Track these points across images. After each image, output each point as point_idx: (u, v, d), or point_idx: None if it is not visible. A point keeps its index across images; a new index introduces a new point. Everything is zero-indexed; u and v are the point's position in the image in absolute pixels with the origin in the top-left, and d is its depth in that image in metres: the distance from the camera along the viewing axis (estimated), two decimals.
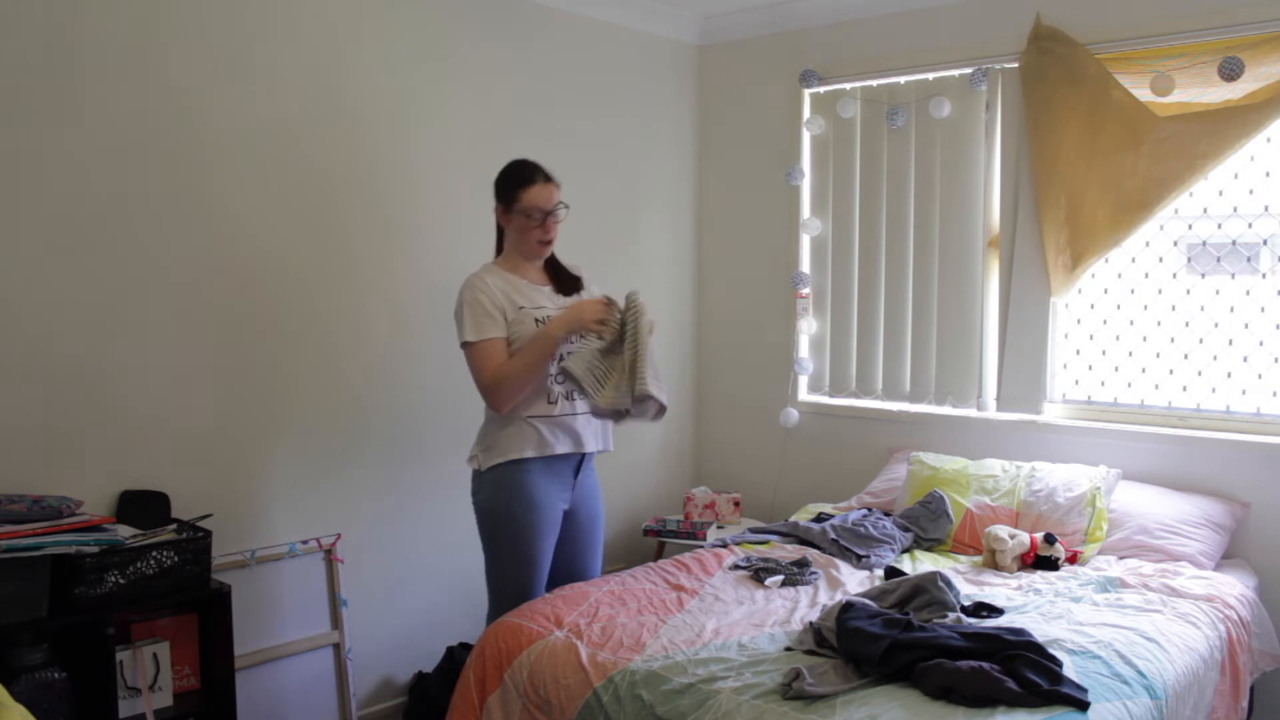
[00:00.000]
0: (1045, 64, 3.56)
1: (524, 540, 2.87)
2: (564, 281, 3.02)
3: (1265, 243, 3.39)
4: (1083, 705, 2.12)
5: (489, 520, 2.90)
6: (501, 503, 2.85)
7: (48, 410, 2.69)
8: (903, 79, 3.98)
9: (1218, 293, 3.46)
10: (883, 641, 2.30)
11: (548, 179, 2.92)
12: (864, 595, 2.66)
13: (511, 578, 2.89)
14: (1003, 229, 3.78)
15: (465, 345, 2.82)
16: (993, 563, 3.20)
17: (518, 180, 2.89)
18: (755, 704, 2.17)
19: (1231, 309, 3.43)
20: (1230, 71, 3.18)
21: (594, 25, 4.07)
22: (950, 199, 3.90)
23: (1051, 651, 2.34)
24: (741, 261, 4.51)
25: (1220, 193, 3.43)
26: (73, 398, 2.73)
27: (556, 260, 3.05)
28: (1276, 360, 3.35)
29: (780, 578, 3.04)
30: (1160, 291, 3.56)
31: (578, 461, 2.99)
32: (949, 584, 2.70)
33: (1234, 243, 3.42)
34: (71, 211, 2.71)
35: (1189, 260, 3.55)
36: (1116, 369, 3.65)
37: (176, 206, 2.91)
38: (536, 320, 2.86)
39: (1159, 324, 3.56)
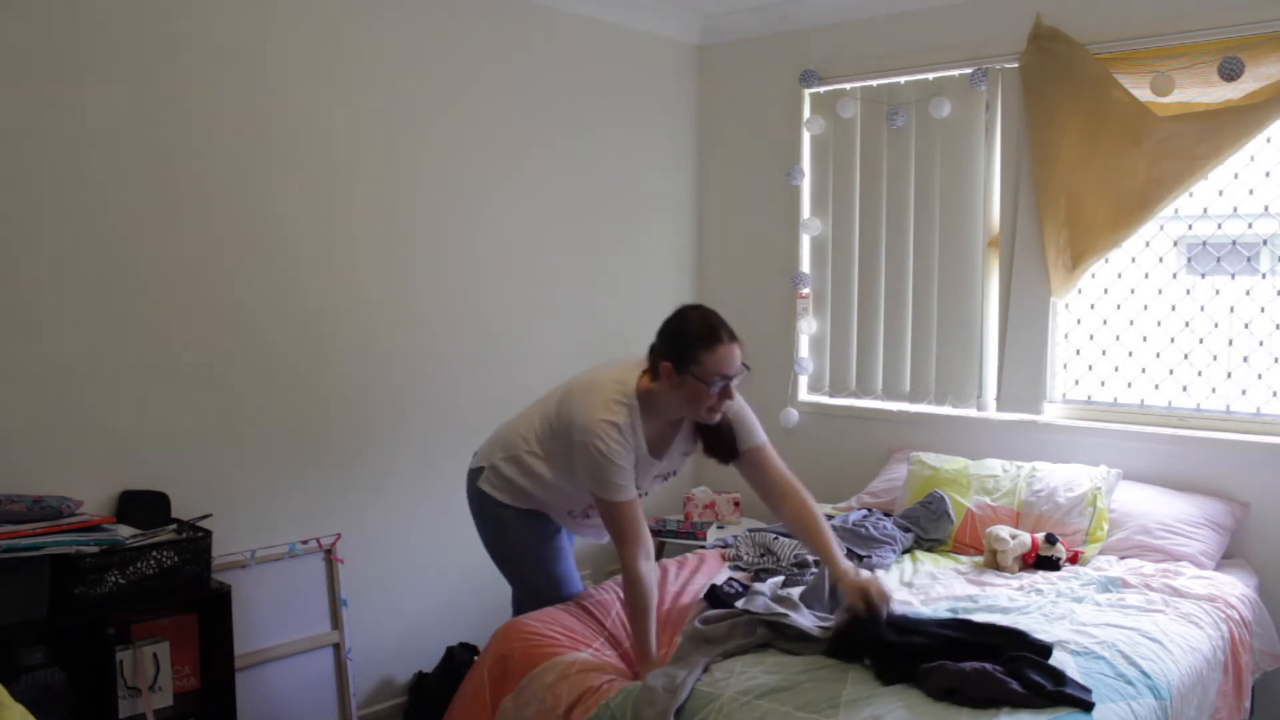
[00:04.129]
0: (1045, 64, 3.56)
1: (546, 556, 2.80)
2: (717, 445, 2.63)
3: (1265, 243, 3.40)
4: (1087, 706, 2.12)
5: (500, 554, 2.84)
6: (511, 540, 2.79)
7: (48, 410, 2.68)
8: (903, 79, 3.98)
9: (1218, 293, 3.46)
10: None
11: (733, 337, 2.45)
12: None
13: (543, 593, 2.80)
14: (1003, 229, 3.78)
15: (612, 502, 2.50)
16: (994, 563, 3.20)
17: (696, 337, 2.42)
18: (758, 704, 2.17)
19: (1231, 309, 3.43)
20: (1230, 71, 3.18)
21: (594, 25, 4.07)
22: (950, 199, 3.90)
23: (1055, 652, 2.35)
24: (741, 261, 4.51)
25: (1220, 193, 3.44)
26: (73, 398, 2.72)
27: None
28: (1276, 360, 3.36)
29: (781, 578, 3.03)
30: (1160, 291, 3.56)
31: None
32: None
33: (1234, 243, 3.42)
34: (72, 212, 2.70)
35: (1189, 260, 3.55)
36: (1116, 369, 3.65)
37: (177, 206, 2.90)
38: (641, 495, 2.62)
39: (1159, 324, 3.56)
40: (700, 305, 2.55)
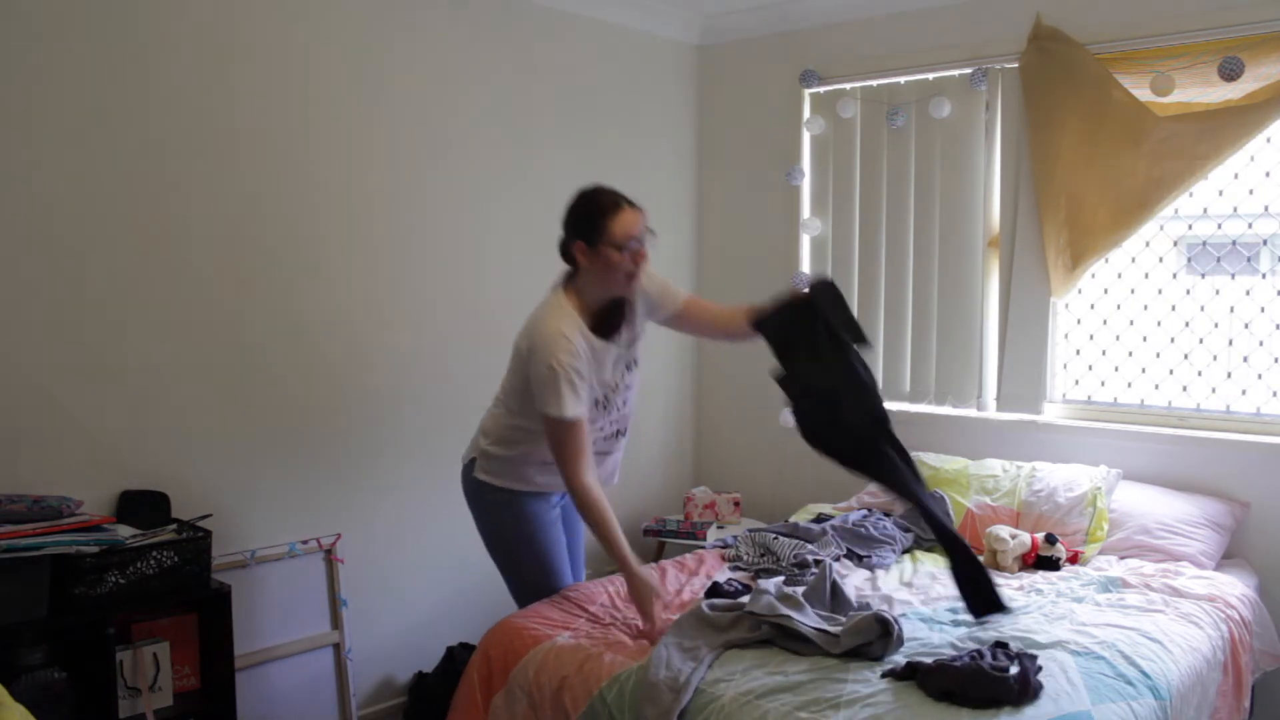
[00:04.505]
0: (1045, 64, 3.56)
1: (541, 549, 2.82)
2: (620, 318, 2.73)
3: (1265, 243, 3.40)
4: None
5: (496, 543, 2.85)
6: (509, 527, 2.80)
7: (48, 410, 2.68)
8: (903, 79, 3.98)
9: (1218, 293, 3.46)
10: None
11: (633, 204, 2.59)
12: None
13: (536, 586, 2.83)
14: (1003, 229, 3.78)
15: (556, 419, 2.53)
16: (994, 563, 3.20)
17: (601, 209, 2.55)
18: (759, 704, 2.17)
19: (1231, 309, 3.43)
20: (1230, 71, 3.18)
21: (594, 25, 4.07)
22: (950, 199, 3.90)
23: (1055, 652, 2.35)
24: (741, 261, 4.51)
25: (1220, 193, 3.44)
26: (73, 398, 2.72)
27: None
28: (1276, 360, 3.36)
29: (781, 578, 3.03)
30: (1160, 291, 3.56)
31: None
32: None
33: (1234, 243, 3.42)
34: (72, 211, 2.70)
35: (1189, 260, 3.55)
36: (1116, 369, 3.65)
37: (176, 206, 2.90)
38: (596, 401, 2.66)
39: (1159, 324, 3.56)
40: (595, 185, 2.64)
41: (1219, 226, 3.45)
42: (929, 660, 2.30)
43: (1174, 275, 3.55)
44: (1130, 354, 3.63)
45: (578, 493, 2.57)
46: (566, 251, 2.64)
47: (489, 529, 2.86)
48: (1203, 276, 3.49)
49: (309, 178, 3.20)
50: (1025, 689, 2.16)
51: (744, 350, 4.49)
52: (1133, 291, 3.61)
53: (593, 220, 2.55)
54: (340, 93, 3.26)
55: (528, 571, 2.84)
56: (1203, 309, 3.48)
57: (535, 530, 2.81)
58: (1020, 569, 3.18)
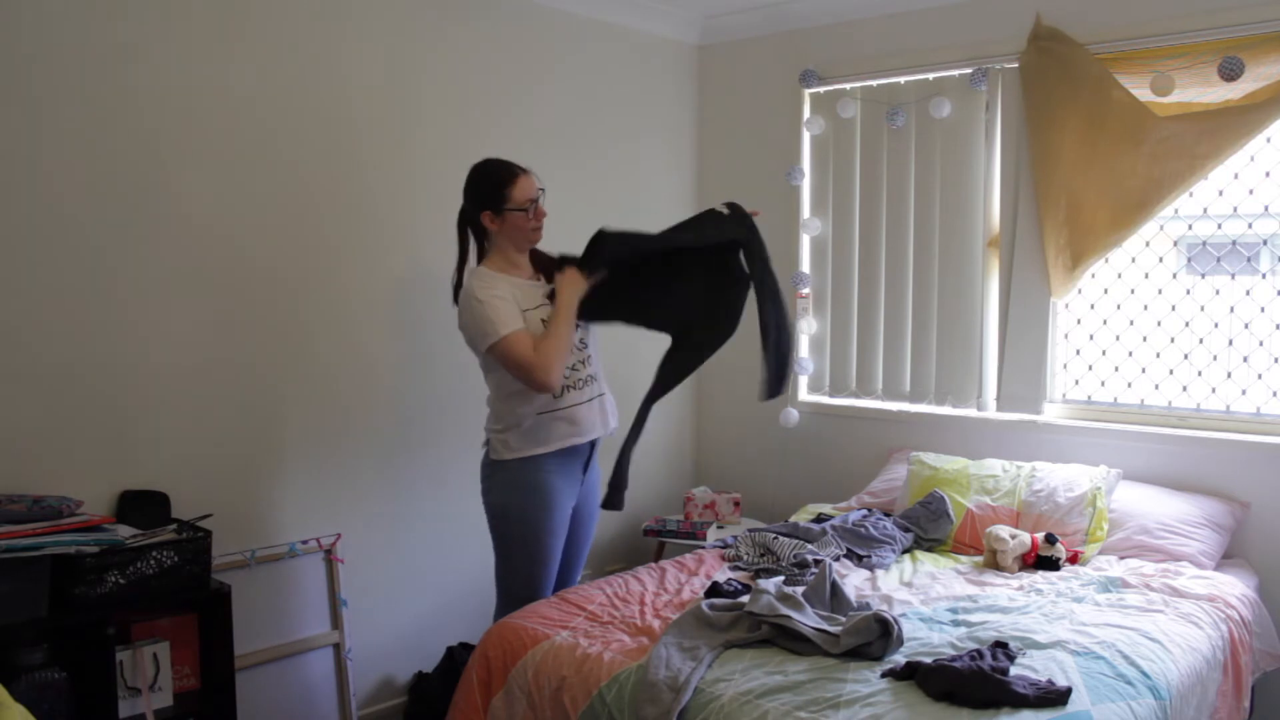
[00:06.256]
0: (1045, 64, 3.56)
1: (537, 540, 2.87)
2: (548, 271, 3.00)
3: (1265, 243, 3.40)
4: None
5: (502, 520, 2.89)
6: (515, 503, 2.85)
7: (48, 410, 2.68)
8: (903, 79, 3.99)
9: (1218, 293, 3.46)
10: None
11: (524, 170, 2.90)
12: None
13: (524, 576, 2.89)
14: (1003, 229, 3.78)
15: (497, 343, 2.73)
16: (994, 563, 3.20)
17: (500, 179, 2.84)
18: (758, 703, 2.17)
19: (1231, 309, 3.43)
20: (1230, 71, 3.18)
21: (594, 25, 4.07)
22: (950, 199, 3.90)
23: (1055, 652, 2.35)
24: None
25: (1220, 193, 3.44)
26: (73, 398, 2.72)
27: (538, 251, 3.03)
28: (1276, 360, 3.36)
29: (781, 578, 3.03)
30: (1160, 291, 3.56)
31: (587, 454, 2.99)
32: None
33: (1234, 243, 3.42)
34: (69, 210, 2.70)
35: (1189, 260, 3.55)
36: (1116, 369, 3.65)
37: (174, 205, 2.90)
38: (543, 321, 2.84)
39: (1159, 324, 3.56)
40: (485, 158, 2.92)
41: (1219, 226, 3.45)
42: (929, 660, 2.30)
43: (1174, 275, 3.55)
44: (1130, 354, 3.63)
45: (536, 363, 2.70)
46: (473, 220, 2.90)
47: (498, 505, 2.89)
48: (1203, 276, 3.49)
49: (311, 180, 3.20)
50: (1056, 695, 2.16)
51: (743, 350, 4.50)
52: (1133, 291, 3.61)
53: (496, 190, 2.82)
54: (340, 93, 3.26)
55: (519, 559, 2.88)
56: (1203, 309, 3.48)
57: (543, 520, 2.86)
58: (1020, 569, 3.18)
